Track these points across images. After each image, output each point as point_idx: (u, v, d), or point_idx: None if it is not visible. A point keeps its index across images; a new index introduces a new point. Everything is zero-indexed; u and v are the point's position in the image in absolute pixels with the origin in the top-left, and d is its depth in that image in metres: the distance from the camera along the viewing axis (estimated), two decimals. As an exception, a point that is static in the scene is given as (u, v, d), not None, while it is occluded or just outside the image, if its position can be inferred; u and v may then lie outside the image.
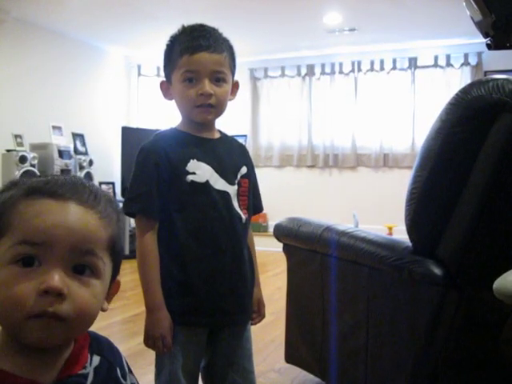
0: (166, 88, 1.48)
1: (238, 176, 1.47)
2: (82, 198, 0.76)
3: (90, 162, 6.15)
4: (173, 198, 1.39)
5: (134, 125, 7.28)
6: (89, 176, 6.07)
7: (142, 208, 1.39)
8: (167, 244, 1.40)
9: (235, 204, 1.44)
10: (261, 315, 1.57)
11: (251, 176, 1.53)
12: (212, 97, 1.38)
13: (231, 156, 1.49)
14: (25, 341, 0.72)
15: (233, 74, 1.46)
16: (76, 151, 6.13)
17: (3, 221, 0.73)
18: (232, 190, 1.44)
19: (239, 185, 1.46)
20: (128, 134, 6.41)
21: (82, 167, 6.05)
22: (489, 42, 1.98)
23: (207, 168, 1.41)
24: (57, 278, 0.70)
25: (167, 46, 1.46)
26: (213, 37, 1.40)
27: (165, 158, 1.39)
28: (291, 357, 2.43)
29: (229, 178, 1.44)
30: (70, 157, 5.93)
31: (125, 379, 0.85)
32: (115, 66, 7.49)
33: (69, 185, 0.77)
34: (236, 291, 1.44)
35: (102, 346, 0.84)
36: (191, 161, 1.40)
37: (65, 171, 5.78)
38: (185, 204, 1.39)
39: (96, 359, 0.81)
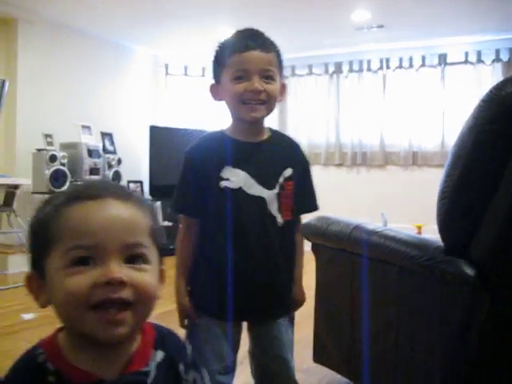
0: (216, 89, 1.52)
1: (280, 179, 1.49)
2: (116, 194, 0.81)
3: (119, 161, 6.21)
4: (208, 202, 1.47)
5: (161, 124, 7.31)
6: (117, 175, 6.13)
7: (180, 207, 1.53)
8: (204, 242, 1.50)
9: (272, 208, 1.48)
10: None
11: (299, 177, 1.54)
12: (262, 93, 1.43)
13: (273, 159, 1.52)
14: (93, 338, 0.75)
15: (280, 75, 1.51)
16: (105, 150, 6.19)
17: (52, 231, 0.77)
18: (269, 194, 1.47)
19: (282, 188, 1.49)
20: (156, 132, 6.45)
21: (110, 166, 6.11)
22: None
23: (242, 174, 1.46)
24: (115, 269, 0.75)
25: (216, 49, 1.52)
26: (261, 37, 1.48)
27: (201, 163, 1.47)
28: (319, 357, 2.42)
29: (267, 183, 1.48)
30: (99, 156, 5.99)
31: (187, 374, 0.88)
32: (143, 66, 7.54)
33: (101, 185, 0.84)
34: (266, 292, 1.50)
35: (167, 342, 0.88)
36: (226, 167, 1.45)
37: (94, 170, 5.85)
38: (218, 208, 1.46)
39: (160, 354, 0.85)
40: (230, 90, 1.44)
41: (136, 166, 7.01)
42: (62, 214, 0.78)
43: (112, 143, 6.40)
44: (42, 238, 0.78)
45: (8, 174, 5.41)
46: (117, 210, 0.79)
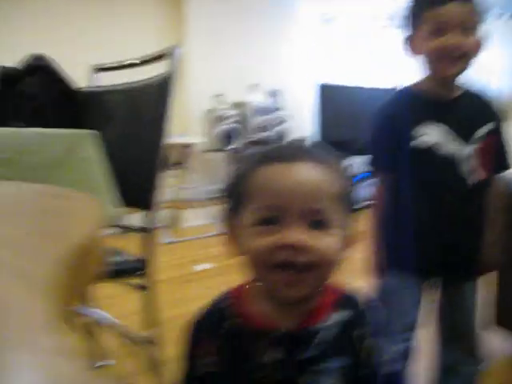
0: (412, 43, 1.48)
1: (478, 135, 1.44)
2: (307, 157, 0.82)
3: (286, 119, 6.24)
4: (399, 159, 1.46)
5: (328, 80, 7.18)
6: (284, 133, 6.17)
7: (374, 163, 1.54)
8: (396, 199, 1.50)
9: (465, 166, 1.43)
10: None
11: (496, 134, 1.48)
12: (460, 48, 1.37)
13: (470, 115, 1.46)
14: (274, 294, 0.82)
15: (479, 27, 1.41)
16: (272, 108, 6.24)
17: (244, 189, 0.83)
18: (465, 150, 1.43)
19: (479, 144, 1.44)
20: (326, 91, 6.33)
21: (278, 124, 6.16)
22: None
23: (438, 130, 1.42)
24: (297, 233, 0.77)
25: (411, 2, 1.47)
26: None
27: (393, 120, 1.47)
28: (502, 320, 2.22)
29: (463, 138, 1.43)
30: (267, 113, 6.06)
31: (363, 340, 0.86)
32: (308, 21, 7.42)
33: (293, 148, 0.87)
34: (455, 252, 1.49)
35: (348, 305, 0.88)
36: (419, 126, 1.43)
37: (262, 128, 5.94)
38: (407, 166, 1.45)
39: (336, 316, 0.86)
40: (426, 45, 1.40)
41: (303, 123, 6.99)
42: (254, 174, 0.82)
43: (279, 101, 6.44)
44: (236, 195, 0.84)
45: (182, 134, 5.68)
46: (304, 175, 0.80)
